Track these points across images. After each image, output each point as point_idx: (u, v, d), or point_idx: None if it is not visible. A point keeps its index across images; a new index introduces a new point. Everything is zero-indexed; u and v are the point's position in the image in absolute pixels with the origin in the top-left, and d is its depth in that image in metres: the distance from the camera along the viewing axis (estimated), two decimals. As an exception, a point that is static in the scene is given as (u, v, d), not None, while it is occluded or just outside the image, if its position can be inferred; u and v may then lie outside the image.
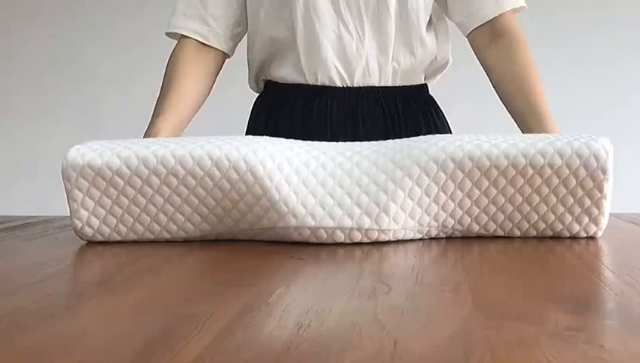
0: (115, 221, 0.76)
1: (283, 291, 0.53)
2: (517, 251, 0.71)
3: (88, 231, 0.76)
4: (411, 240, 0.75)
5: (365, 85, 1.05)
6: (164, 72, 1.06)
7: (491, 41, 1.03)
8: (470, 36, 1.05)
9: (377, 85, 1.05)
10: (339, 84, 1.04)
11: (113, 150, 0.74)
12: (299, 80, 1.06)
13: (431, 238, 0.77)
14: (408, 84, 1.08)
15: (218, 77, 1.10)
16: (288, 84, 1.07)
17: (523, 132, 0.96)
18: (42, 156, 2.29)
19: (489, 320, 0.44)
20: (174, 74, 1.04)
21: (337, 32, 1.02)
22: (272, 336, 0.42)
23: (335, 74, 1.04)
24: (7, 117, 2.70)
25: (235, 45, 1.11)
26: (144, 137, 0.96)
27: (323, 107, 1.05)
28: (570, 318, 0.44)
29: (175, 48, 1.08)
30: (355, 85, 1.05)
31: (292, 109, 1.07)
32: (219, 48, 1.08)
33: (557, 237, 0.76)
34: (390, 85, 1.06)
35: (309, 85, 1.05)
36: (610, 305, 0.50)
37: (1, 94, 2.71)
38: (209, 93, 1.09)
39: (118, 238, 0.77)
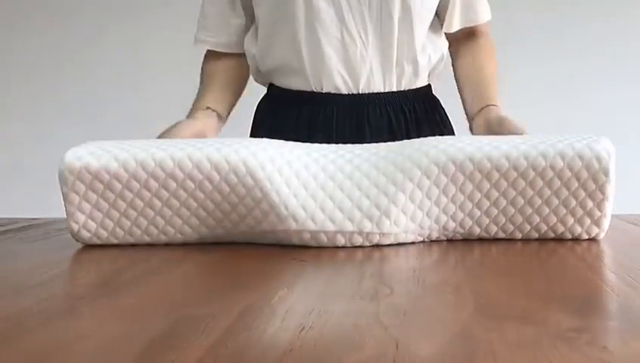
0: (112, 224, 0.76)
1: (285, 293, 0.54)
2: (519, 252, 0.71)
3: (85, 234, 0.76)
4: (413, 243, 0.75)
5: (370, 91, 1.06)
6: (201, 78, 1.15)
7: (463, 43, 1.15)
8: (448, 36, 1.15)
9: (382, 91, 1.06)
10: (344, 91, 1.05)
11: (111, 153, 0.74)
12: (305, 88, 1.07)
13: (432, 240, 0.77)
14: (413, 87, 1.08)
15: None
16: (293, 90, 1.08)
17: (467, 104, 1.10)
18: (43, 157, 2.29)
19: (491, 321, 0.44)
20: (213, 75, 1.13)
21: (341, 39, 1.02)
22: (275, 338, 0.42)
23: (340, 81, 1.05)
24: (8, 119, 2.70)
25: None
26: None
27: (329, 114, 1.06)
28: (572, 320, 0.44)
29: (206, 59, 1.16)
30: (360, 92, 1.05)
31: (298, 116, 1.07)
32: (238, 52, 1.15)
33: (558, 239, 0.76)
34: (395, 90, 1.07)
35: (314, 92, 1.06)
36: (611, 307, 0.50)
37: (2, 97, 2.71)
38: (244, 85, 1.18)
39: (115, 241, 0.77)
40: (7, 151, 2.69)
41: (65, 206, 0.75)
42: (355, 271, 0.64)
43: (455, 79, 1.15)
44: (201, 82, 1.13)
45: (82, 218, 0.75)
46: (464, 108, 1.10)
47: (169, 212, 0.75)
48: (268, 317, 0.46)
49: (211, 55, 1.14)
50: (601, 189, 0.72)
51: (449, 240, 0.77)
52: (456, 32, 1.12)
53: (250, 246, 0.76)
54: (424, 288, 0.55)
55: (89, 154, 0.74)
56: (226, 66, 1.14)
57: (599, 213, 0.74)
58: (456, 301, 0.51)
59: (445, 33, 1.14)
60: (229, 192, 0.73)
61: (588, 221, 0.74)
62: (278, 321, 0.45)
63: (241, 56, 1.14)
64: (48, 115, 2.68)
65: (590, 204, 0.73)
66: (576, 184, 0.72)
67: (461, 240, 0.77)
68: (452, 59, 1.17)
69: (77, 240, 0.77)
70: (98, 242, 0.77)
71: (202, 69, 1.15)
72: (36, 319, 0.47)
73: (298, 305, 0.50)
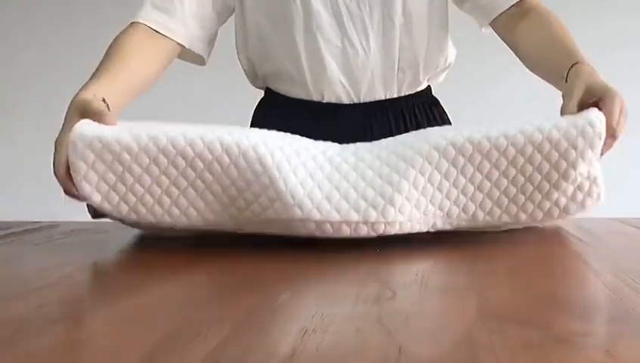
0: (117, 198, 0.74)
1: (288, 296, 0.54)
2: (521, 255, 0.71)
3: (94, 203, 0.74)
4: (416, 242, 0.75)
5: (372, 99, 1.04)
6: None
7: (521, 18, 0.99)
8: (496, 20, 1.01)
9: (383, 98, 1.05)
10: (346, 101, 1.04)
11: (123, 127, 0.74)
12: (305, 97, 1.05)
13: (434, 240, 0.76)
14: (413, 91, 1.07)
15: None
16: (293, 98, 1.06)
17: (554, 79, 0.90)
18: (47, 160, 2.31)
19: (494, 324, 0.44)
20: (121, 48, 0.93)
21: (342, 47, 1.00)
22: (277, 342, 0.42)
23: (341, 91, 1.03)
24: (12, 120, 2.70)
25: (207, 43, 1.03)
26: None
27: (331, 124, 1.03)
28: (575, 323, 0.44)
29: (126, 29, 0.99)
30: (362, 101, 1.04)
31: (299, 126, 1.05)
32: (175, 40, 0.98)
33: (561, 242, 0.76)
34: (396, 97, 1.06)
35: (314, 101, 1.04)
36: (614, 310, 0.50)
37: (4, 98, 2.71)
38: (155, 78, 0.98)
39: (118, 217, 0.76)
40: (11, 153, 2.70)
41: (72, 175, 0.73)
42: (357, 274, 0.64)
43: (524, 56, 0.99)
44: (112, 56, 0.91)
45: (87, 188, 0.73)
46: (548, 71, 0.92)
47: (176, 191, 0.74)
48: (270, 320, 0.46)
49: (150, 33, 0.97)
50: (597, 153, 0.73)
51: (451, 242, 0.77)
52: (502, 17, 0.99)
53: (253, 249, 0.76)
54: (426, 291, 0.55)
55: (100, 127, 0.74)
56: (165, 54, 0.97)
57: (597, 175, 0.75)
58: (459, 305, 0.51)
59: (493, 25, 1.02)
60: (237, 177, 0.73)
61: (591, 187, 0.75)
62: (280, 324, 0.45)
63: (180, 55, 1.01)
64: (52, 116, 2.69)
65: (590, 171, 0.74)
66: (574, 155, 0.73)
67: (463, 241, 0.77)
68: (513, 43, 1.00)
69: (91, 211, 0.77)
70: (102, 213, 0.76)
71: (125, 38, 0.96)
72: (38, 323, 0.47)
73: (301, 308, 0.50)
